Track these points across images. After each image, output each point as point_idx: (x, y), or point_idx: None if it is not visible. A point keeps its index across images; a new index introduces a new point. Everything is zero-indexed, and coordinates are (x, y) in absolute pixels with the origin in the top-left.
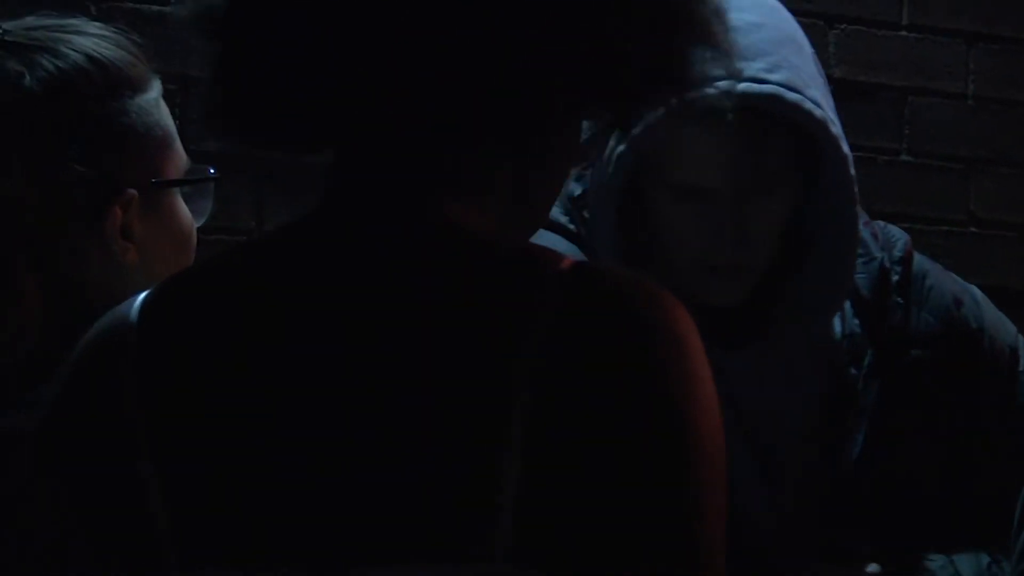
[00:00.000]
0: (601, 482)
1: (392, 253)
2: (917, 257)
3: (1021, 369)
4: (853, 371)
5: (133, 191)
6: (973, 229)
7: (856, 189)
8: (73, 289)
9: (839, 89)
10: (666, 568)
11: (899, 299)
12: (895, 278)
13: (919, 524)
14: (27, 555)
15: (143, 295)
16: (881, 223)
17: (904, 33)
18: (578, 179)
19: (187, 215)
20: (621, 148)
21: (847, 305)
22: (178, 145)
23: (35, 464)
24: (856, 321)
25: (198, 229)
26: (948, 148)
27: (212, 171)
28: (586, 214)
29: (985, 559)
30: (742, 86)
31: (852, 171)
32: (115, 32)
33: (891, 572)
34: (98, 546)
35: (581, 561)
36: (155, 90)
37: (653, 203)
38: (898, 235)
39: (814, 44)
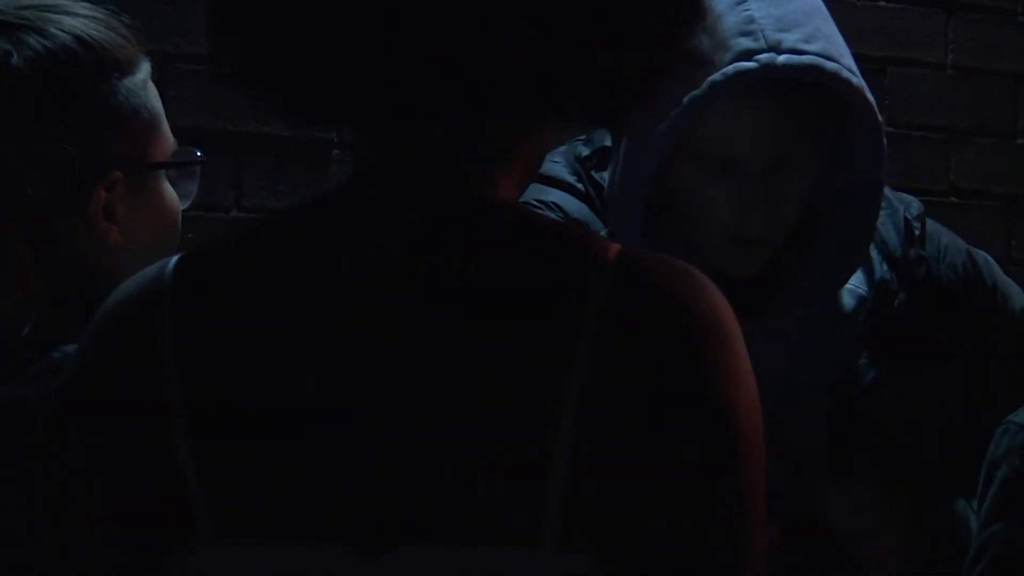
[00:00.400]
0: (650, 471)
1: (437, 230)
2: (928, 219)
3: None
4: (862, 359)
5: (118, 173)
6: (953, 199)
7: (886, 156)
8: (70, 266)
9: (888, 140)
10: (713, 558)
11: (921, 251)
12: (916, 230)
13: (921, 464)
14: (25, 524)
15: (176, 257)
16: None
17: (883, 3)
18: (585, 142)
19: (173, 197)
20: (663, 126)
21: (875, 254)
22: (165, 127)
23: (53, 428)
24: (886, 267)
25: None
26: (928, 118)
27: (199, 154)
28: (596, 175)
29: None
30: (782, 58)
31: (884, 139)
32: (105, 13)
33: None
34: (123, 511)
35: (628, 548)
36: (144, 72)
37: (683, 179)
38: (911, 198)
39: None
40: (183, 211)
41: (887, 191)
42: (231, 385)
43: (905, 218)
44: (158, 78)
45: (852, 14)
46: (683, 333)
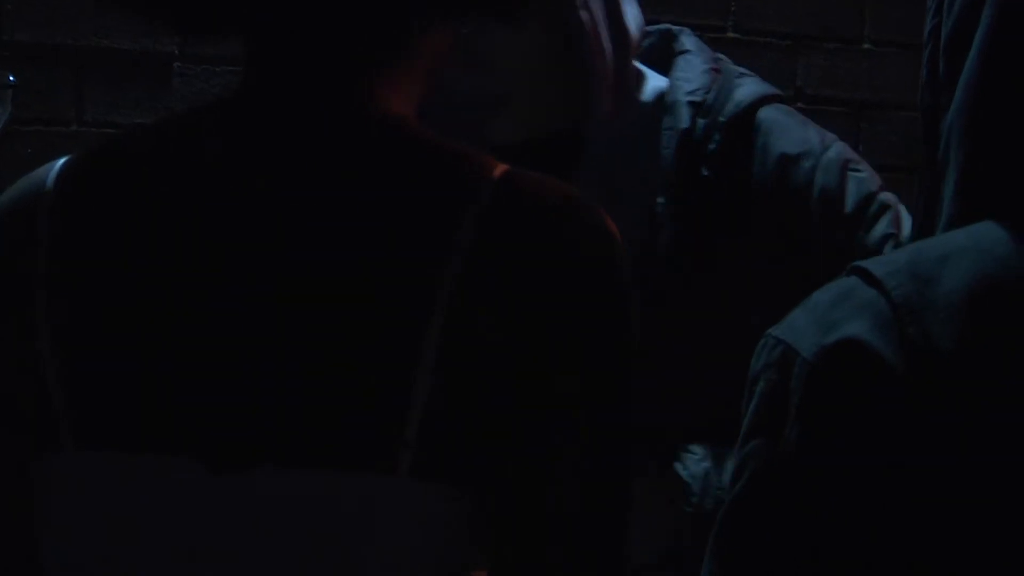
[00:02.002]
0: (518, 401)
1: (321, 141)
2: (765, 115)
3: (873, 233)
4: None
5: None
6: (800, 105)
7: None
8: None
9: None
10: (572, 491)
11: (706, 172)
12: (711, 147)
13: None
14: None
15: (60, 163)
16: (737, 71)
17: None
18: None
19: None
20: None
21: (683, 99)
22: None
23: None
24: (661, 199)
25: (16, 120)
26: (774, 25)
27: (12, 79)
28: None
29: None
30: None
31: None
32: None
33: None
34: None
35: (485, 477)
36: None
37: None
38: (740, 95)
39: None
40: (22, 126)
41: (685, 99)
42: (100, 295)
43: (688, 135)
44: None
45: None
46: (559, 263)
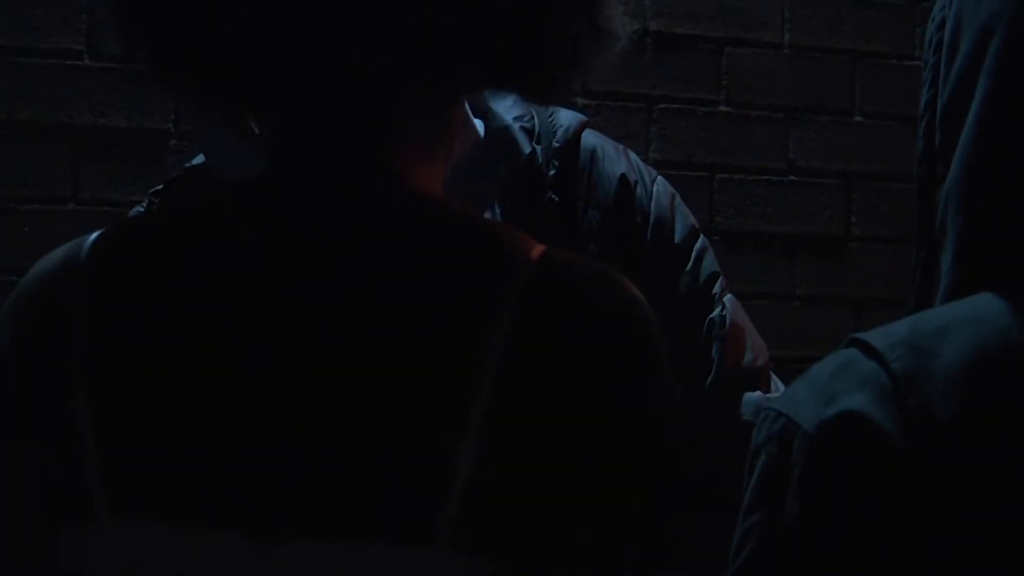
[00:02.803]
0: (550, 481)
1: (357, 220)
2: (589, 140)
3: (703, 268)
4: None
5: None
6: (793, 178)
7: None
8: None
9: (657, 42)
10: (618, 569)
11: (554, 195)
12: (551, 172)
13: None
14: None
15: (94, 235)
16: (552, 109)
17: None
18: None
19: None
20: None
21: (497, 210)
22: None
23: None
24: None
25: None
26: (766, 98)
27: None
28: None
29: None
30: None
31: None
32: None
33: None
34: (19, 485)
35: (531, 553)
36: None
37: None
38: (564, 121)
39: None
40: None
41: (519, 128)
42: (137, 365)
43: (530, 162)
44: None
45: None
46: (599, 344)
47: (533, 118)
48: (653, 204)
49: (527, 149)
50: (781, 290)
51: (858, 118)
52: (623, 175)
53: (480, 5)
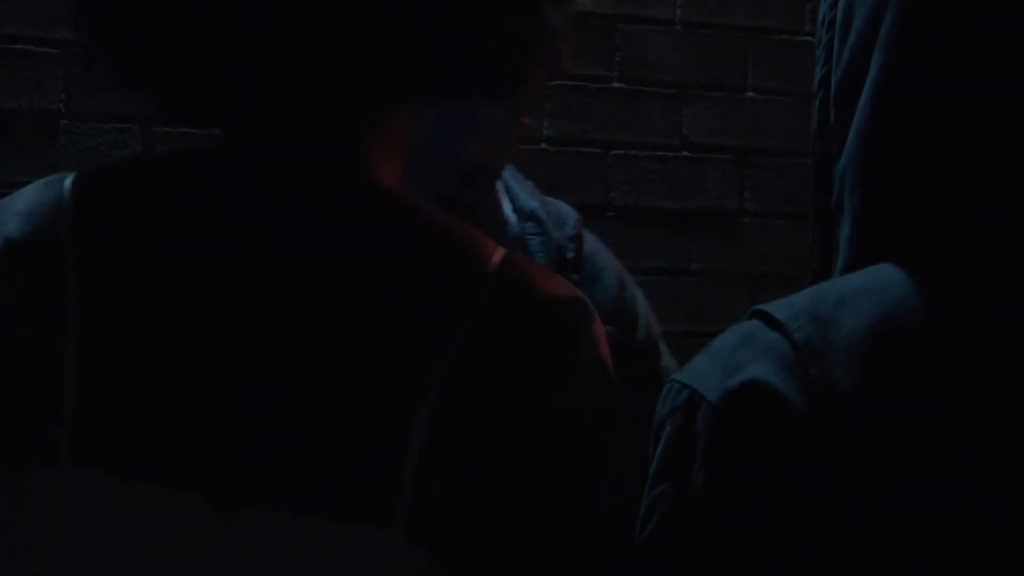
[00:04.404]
0: (504, 474)
1: (321, 202)
2: (586, 235)
3: (663, 365)
4: None
5: None
6: (686, 153)
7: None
8: None
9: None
10: (557, 566)
11: (576, 276)
12: (570, 255)
13: None
14: None
15: (71, 178)
16: (552, 200)
17: None
18: None
19: None
20: None
21: None
22: None
23: None
24: None
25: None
26: (659, 75)
27: None
28: None
29: None
30: None
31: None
32: None
33: None
34: None
35: (473, 546)
36: None
37: None
38: (568, 212)
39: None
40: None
41: (544, 211)
42: (120, 319)
43: (558, 245)
44: None
45: None
46: (555, 358)
47: (550, 202)
48: (640, 302)
49: (554, 233)
50: (676, 266)
51: (751, 94)
52: (620, 271)
53: (437, 13)
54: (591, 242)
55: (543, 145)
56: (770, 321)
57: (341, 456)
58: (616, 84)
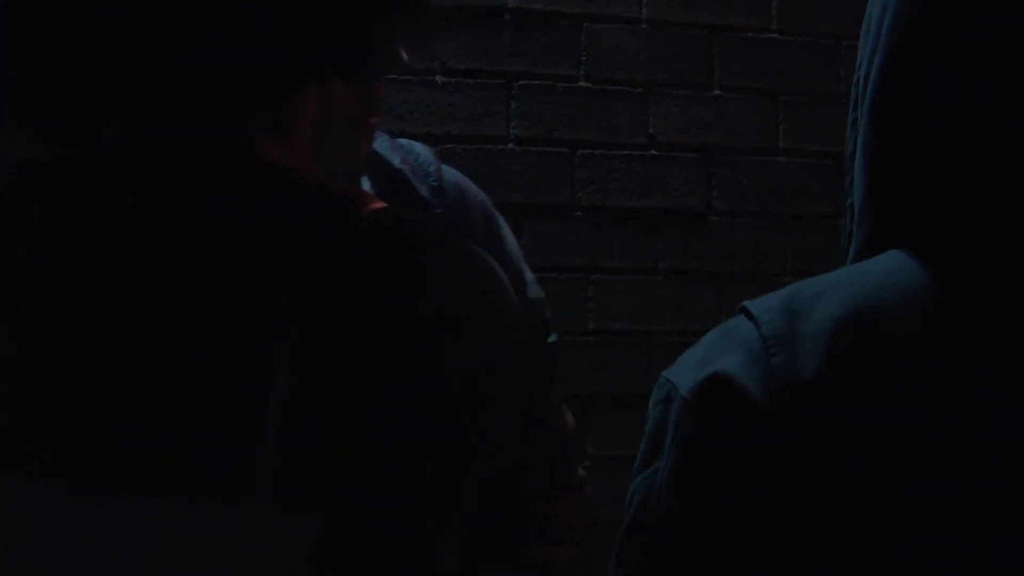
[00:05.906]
0: (366, 435)
1: (202, 179)
2: (446, 169)
3: (529, 296)
4: None
5: None
6: (654, 152)
7: None
8: None
9: (516, 19)
10: (423, 522)
11: (437, 203)
12: (434, 183)
13: None
14: None
15: None
16: (409, 147)
17: None
18: None
19: None
20: None
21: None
22: None
23: None
24: None
25: None
26: (625, 73)
27: None
28: None
29: None
30: None
31: None
32: None
33: None
34: None
35: (345, 509)
36: None
37: None
38: (425, 155)
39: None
40: None
41: (387, 146)
42: (15, 310)
43: (403, 177)
44: None
45: None
46: (420, 304)
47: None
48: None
49: (400, 166)
50: (643, 264)
51: (717, 92)
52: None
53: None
54: (452, 173)
55: (510, 145)
56: (748, 315)
57: (199, 429)
58: (582, 83)
